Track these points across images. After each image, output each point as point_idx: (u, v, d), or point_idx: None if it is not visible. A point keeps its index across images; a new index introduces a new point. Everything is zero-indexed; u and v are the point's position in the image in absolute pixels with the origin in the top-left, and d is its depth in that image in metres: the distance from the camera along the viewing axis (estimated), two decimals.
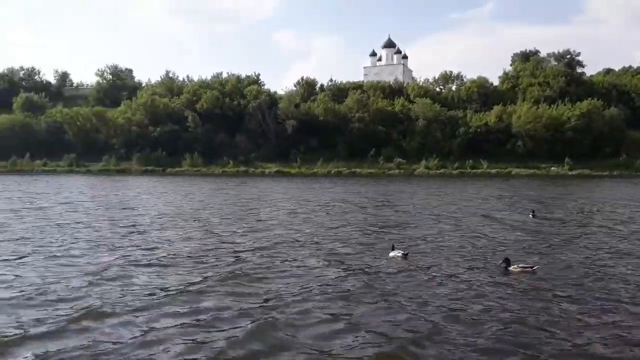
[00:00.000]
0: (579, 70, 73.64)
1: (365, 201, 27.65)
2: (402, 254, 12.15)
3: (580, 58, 73.93)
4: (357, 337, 7.12)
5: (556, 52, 75.05)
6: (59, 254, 12.32)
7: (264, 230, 16.69)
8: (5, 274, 10.29)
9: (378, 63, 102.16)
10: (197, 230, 16.76)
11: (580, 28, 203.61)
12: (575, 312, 8.12)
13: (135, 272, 10.53)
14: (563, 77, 68.56)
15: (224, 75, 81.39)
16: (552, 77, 69.15)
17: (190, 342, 6.87)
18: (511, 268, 10.74)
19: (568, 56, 73.79)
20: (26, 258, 11.89)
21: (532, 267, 10.84)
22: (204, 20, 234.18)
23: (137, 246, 13.51)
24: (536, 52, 77.54)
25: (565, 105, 62.62)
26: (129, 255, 12.23)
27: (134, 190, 36.09)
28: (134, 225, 17.48)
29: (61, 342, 6.85)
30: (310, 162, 64.03)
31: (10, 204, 24.74)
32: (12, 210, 22.11)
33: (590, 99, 62.63)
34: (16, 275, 10.20)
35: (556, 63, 73.64)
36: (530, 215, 19.98)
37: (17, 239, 14.41)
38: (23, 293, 8.94)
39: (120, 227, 17.17)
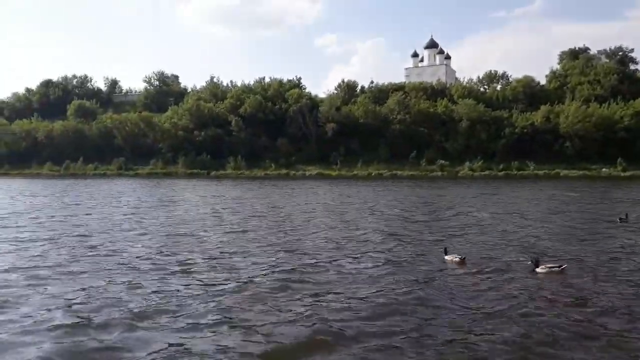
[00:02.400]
0: (632, 67, 70.38)
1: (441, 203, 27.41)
2: (460, 258, 12.05)
3: (633, 55, 70.67)
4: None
5: (607, 49, 72.11)
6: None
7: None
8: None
9: (420, 64, 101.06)
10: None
11: (634, 23, 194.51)
12: None
13: None
14: (615, 74, 65.65)
15: (267, 79, 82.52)
16: (603, 75, 66.38)
17: None
18: (538, 269, 10.57)
19: (620, 53, 70.62)
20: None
21: (560, 267, 10.59)
22: (248, 27, 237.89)
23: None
24: (586, 50, 74.73)
25: (617, 104, 59.98)
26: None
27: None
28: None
29: None
30: (350, 164, 63.96)
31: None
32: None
33: None
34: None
35: (607, 60, 70.66)
36: (618, 220, 18.61)
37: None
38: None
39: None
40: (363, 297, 9.11)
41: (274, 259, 12.40)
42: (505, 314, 8.08)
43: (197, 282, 10.15)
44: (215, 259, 12.51)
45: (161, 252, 13.31)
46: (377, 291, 9.51)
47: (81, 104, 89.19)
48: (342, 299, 8.98)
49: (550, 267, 10.56)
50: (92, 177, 67.20)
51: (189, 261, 12.19)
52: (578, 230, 16.84)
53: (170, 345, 6.91)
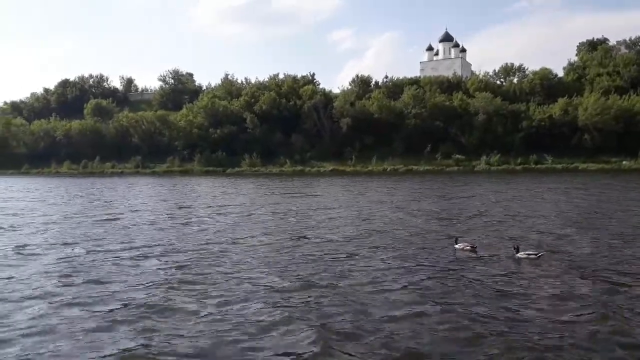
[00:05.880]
0: None
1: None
2: (471, 246, 12.60)
3: None
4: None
5: (627, 39, 70.76)
6: None
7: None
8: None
9: (435, 58, 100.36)
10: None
11: None
12: None
13: None
14: (635, 65, 64.39)
15: (280, 76, 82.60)
16: (623, 66, 65.16)
17: None
18: (518, 255, 11.61)
19: None
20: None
21: (537, 255, 11.51)
22: (261, 24, 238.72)
23: None
24: (604, 41, 73.48)
25: (637, 95, 58.78)
26: None
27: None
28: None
29: None
30: (364, 159, 63.76)
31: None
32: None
33: None
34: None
35: (627, 51, 69.35)
36: None
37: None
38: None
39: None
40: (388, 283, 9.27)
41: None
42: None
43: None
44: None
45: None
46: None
47: (98, 103, 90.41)
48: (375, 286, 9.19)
49: (528, 254, 11.57)
50: (110, 175, 68.05)
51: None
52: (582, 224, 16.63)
53: None
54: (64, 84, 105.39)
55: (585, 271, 10.53)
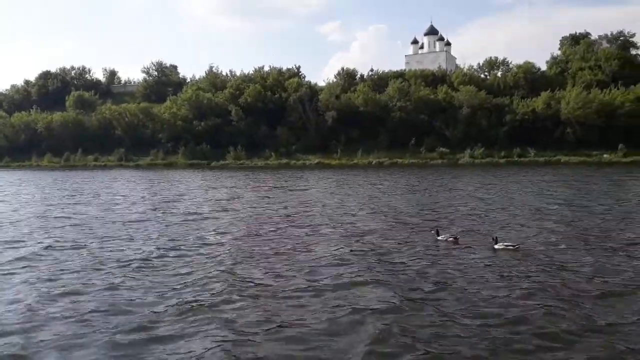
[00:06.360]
0: (633, 52, 69.79)
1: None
2: (454, 238, 12.90)
3: (634, 39, 69.95)
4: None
5: (608, 34, 71.45)
6: None
7: None
8: None
9: (420, 51, 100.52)
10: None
11: (636, 7, 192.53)
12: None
13: None
14: (616, 59, 65.17)
15: (266, 68, 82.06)
16: (605, 60, 65.91)
17: None
18: (496, 246, 11.90)
19: (621, 38, 69.92)
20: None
21: (514, 246, 11.85)
22: (250, 17, 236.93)
23: None
24: (587, 35, 74.08)
25: (618, 89, 59.52)
26: None
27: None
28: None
29: None
30: (350, 152, 63.80)
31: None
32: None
33: None
34: None
35: (608, 45, 70.10)
36: None
37: None
38: None
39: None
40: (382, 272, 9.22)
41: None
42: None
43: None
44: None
45: None
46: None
47: (80, 95, 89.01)
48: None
49: (506, 245, 11.88)
50: (92, 168, 67.18)
51: None
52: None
53: None
54: (45, 75, 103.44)
55: (560, 262, 10.74)
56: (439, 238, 13.02)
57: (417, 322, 7.38)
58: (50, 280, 9.80)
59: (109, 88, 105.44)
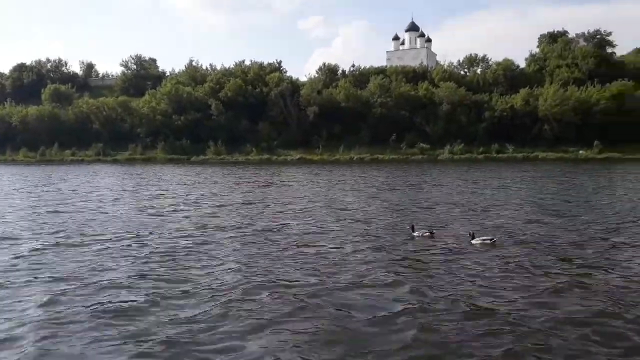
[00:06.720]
0: (609, 50, 71.10)
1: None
2: (430, 233, 13.04)
3: (610, 38, 71.31)
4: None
5: (585, 32, 72.70)
6: None
7: None
8: None
9: (401, 47, 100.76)
10: None
11: (614, 6, 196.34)
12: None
13: None
14: (592, 57, 66.38)
15: (247, 62, 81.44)
16: (581, 58, 67.08)
17: None
18: (473, 241, 12.03)
19: (598, 36, 71.19)
20: None
21: (491, 240, 12.01)
22: (234, 11, 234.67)
23: None
24: (564, 33, 75.23)
25: (594, 87, 60.71)
26: None
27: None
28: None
29: None
30: (332, 148, 63.85)
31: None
32: None
33: (621, 80, 60.60)
34: None
35: (585, 43, 71.34)
36: None
37: None
38: None
39: None
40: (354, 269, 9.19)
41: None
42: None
43: None
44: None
45: None
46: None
47: (56, 89, 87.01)
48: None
49: (483, 240, 12.02)
50: (69, 163, 65.91)
51: None
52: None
53: None
54: (20, 68, 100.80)
55: (535, 256, 10.95)
56: (415, 234, 13.06)
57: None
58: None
59: (87, 81, 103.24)
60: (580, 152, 56.13)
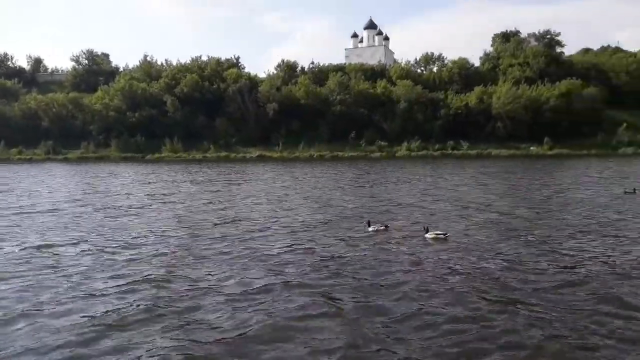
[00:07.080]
0: (558, 50, 73.82)
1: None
2: (384, 227, 13.43)
3: (560, 38, 74.07)
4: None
5: (536, 32, 75.17)
6: None
7: None
8: None
9: (360, 45, 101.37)
10: None
11: (564, 7, 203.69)
12: None
13: None
14: (543, 57, 68.72)
15: (204, 58, 79.94)
16: (532, 58, 69.32)
17: None
18: (427, 235, 12.35)
19: (548, 36, 73.82)
20: None
21: (444, 235, 12.26)
22: (193, 4, 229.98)
23: None
24: (517, 33, 77.51)
25: (544, 85, 62.84)
26: None
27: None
28: None
29: None
30: (291, 145, 63.51)
31: None
32: None
33: (569, 78, 63.00)
34: None
35: (536, 43, 73.74)
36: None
37: None
38: None
39: None
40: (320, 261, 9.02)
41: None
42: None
43: None
44: None
45: None
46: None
47: (1, 84, 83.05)
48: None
49: (437, 234, 12.38)
50: (17, 162, 62.93)
51: None
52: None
53: None
54: None
55: (486, 249, 11.22)
56: (370, 229, 13.31)
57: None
58: None
59: (34, 76, 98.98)
60: (532, 148, 58.04)
